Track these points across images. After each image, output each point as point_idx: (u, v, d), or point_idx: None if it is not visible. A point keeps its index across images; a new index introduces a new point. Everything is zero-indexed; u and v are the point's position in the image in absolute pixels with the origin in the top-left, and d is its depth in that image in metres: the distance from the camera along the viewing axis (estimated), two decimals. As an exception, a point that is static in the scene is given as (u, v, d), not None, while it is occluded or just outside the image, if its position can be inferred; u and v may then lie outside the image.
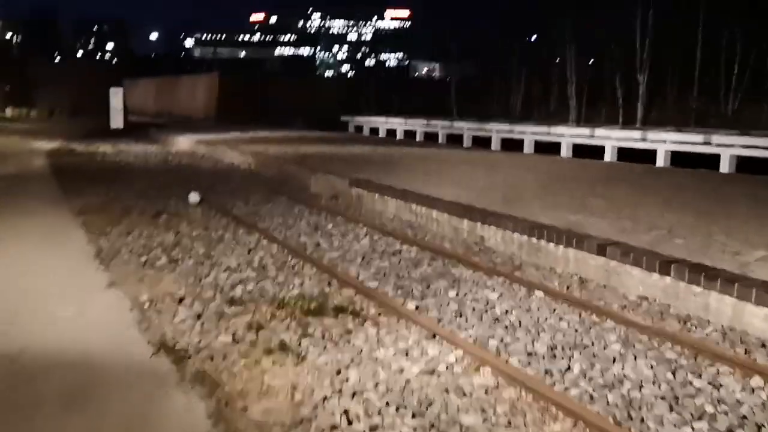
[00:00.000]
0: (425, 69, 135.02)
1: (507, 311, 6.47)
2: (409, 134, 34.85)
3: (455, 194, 11.59)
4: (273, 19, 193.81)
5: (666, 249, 7.43)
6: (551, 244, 8.47)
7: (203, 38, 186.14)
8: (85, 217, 10.77)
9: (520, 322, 6.16)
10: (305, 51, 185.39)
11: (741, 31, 31.82)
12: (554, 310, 6.52)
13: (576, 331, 5.95)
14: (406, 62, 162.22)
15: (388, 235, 10.19)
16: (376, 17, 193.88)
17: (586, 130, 23.20)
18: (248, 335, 5.52)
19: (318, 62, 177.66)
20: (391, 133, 36.23)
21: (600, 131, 22.63)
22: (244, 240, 9.52)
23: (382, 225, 11.05)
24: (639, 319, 6.24)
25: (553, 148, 24.84)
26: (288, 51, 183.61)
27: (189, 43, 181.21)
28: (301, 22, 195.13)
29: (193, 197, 12.97)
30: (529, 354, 5.35)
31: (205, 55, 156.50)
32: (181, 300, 6.46)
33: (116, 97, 36.98)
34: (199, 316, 5.97)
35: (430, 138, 32.81)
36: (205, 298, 6.60)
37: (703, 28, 32.86)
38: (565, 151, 24.00)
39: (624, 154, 21.89)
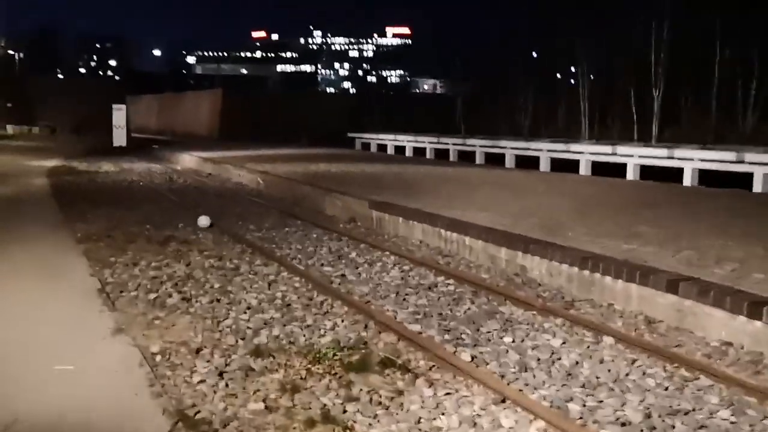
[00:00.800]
0: (425, 86, 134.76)
1: (577, 363, 5.57)
2: (418, 151, 34.05)
3: (486, 219, 10.71)
4: (274, 36, 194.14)
5: (745, 286, 6.54)
6: (608, 278, 7.57)
7: (204, 55, 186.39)
8: (88, 244, 9.88)
9: (597, 377, 5.25)
10: (307, 68, 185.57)
11: (760, 46, 31.09)
12: (633, 361, 5.61)
13: (666, 389, 5.04)
14: (408, 79, 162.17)
15: (419, 264, 9.30)
16: (376, 35, 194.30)
17: (607, 148, 22.34)
18: (283, 400, 4.61)
19: (320, 79, 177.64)
20: (400, 150, 35.43)
21: (622, 149, 21.78)
22: (263, 271, 8.63)
23: (409, 252, 10.17)
24: (739, 374, 5.33)
25: (570, 165, 23.99)
26: (289, 68, 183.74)
27: (190, 60, 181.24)
28: (302, 40, 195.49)
29: (203, 221, 12.10)
30: (623, 424, 4.44)
31: (207, 72, 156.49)
32: (198, 351, 5.56)
33: (119, 114, 36.29)
34: (221, 374, 5.07)
35: (441, 155, 32.00)
36: (226, 347, 5.70)
37: (721, 42, 32.12)
38: (584, 169, 23.13)
39: (646, 172, 21.05)
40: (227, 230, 11.68)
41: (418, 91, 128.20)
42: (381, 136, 37.07)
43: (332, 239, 11.21)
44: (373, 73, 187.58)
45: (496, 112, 47.17)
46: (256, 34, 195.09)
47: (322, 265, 9.23)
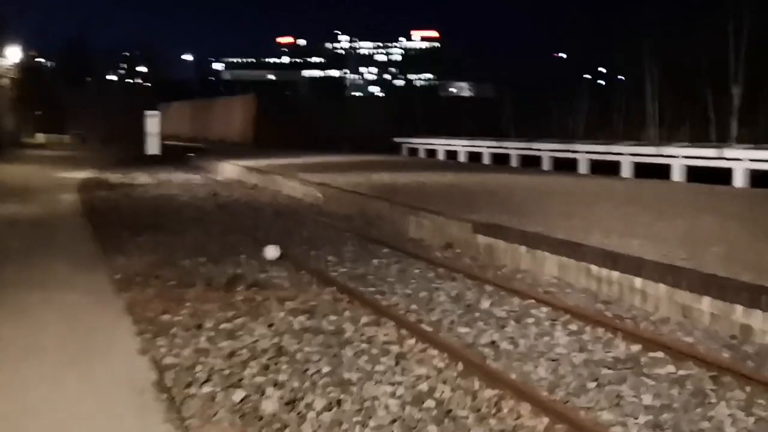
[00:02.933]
0: (453, 89, 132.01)
1: None
2: (473, 156, 31.45)
3: (644, 248, 8.08)
4: (301, 42, 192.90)
5: None
6: None
7: (232, 61, 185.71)
8: (131, 292, 7.43)
9: None
10: (334, 72, 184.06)
11: None
12: None
13: None
14: (437, 82, 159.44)
15: (586, 320, 6.71)
16: (403, 38, 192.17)
17: (710, 151, 19.57)
18: None
19: (347, 84, 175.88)
20: (452, 155, 32.86)
21: (731, 152, 19.01)
22: (379, 337, 6.10)
23: (556, 299, 7.58)
24: None
25: (657, 170, 21.22)
26: (317, 73, 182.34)
27: (218, 66, 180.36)
28: (329, 45, 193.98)
29: (271, 252, 9.62)
30: None
31: (235, 78, 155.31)
32: None
33: (152, 121, 34.15)
34: None
35: (499, 160, 29.38)
36: None
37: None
38: (678, 175, 20.37)
39: (758, 177, 18.30)
40: (302, 264, 9.19)
41: (452, 92, 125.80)
42: (431, 140, 34.51)
43: (442, 277, 8.65)
44: (401, 77, 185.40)
45: (543, 115, 44.49)
46: (282, 40, 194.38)
47: (452, 323, 6.68)
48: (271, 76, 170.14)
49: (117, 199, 16.56)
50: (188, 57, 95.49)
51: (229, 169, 24.99)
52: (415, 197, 14.03)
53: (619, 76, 51.72)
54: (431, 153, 34.79)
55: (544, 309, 7.10)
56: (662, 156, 20.93)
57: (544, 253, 8.95)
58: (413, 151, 36.58)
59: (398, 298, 7.60)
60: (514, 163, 28.10)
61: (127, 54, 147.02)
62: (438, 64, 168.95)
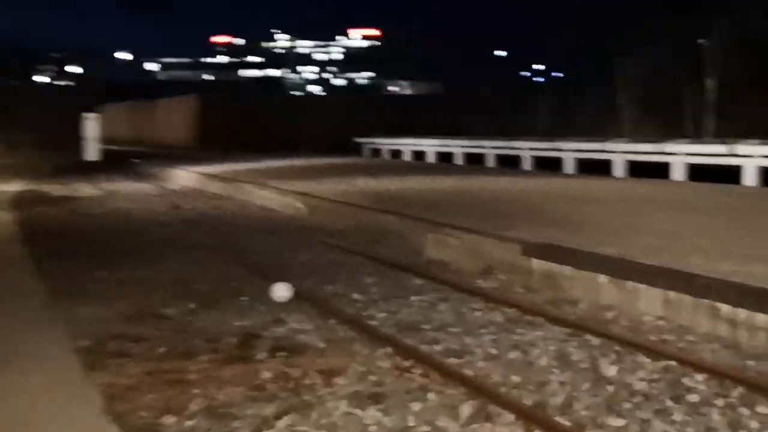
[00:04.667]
0: (395, 87, 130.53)
1: None
2: (443, 157, 29.59)
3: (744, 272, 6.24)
4: (238, 41, 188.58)
5: None
6: None
7: (167, 62, 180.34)
8: (108, 374, 5.14)
9: None
10: (273, 72, 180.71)
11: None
12: None
13: None
14: (378, 81, 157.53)
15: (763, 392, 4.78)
16: (343, 37, 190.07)
17: (719, 147, 18.10)
18: None
19: (288, 83, 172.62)
20: (419, 156, 30.93)
21: (741, 148, 17.56)
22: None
23: (699, 358, 5.62)
24: None
25: (655, 169, 19.68)
26: (255, 73, 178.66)
27: (153, 67, 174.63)
28: (267, 44, 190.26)
29: (281, 291, 7.43)
30: None
31: (171, 78, 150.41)
32: None
33: (91, 124, 31.24)
34: None
35: (473, 161, 27.60)
36: None
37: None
38: (680, 174, 18.87)
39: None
40: (324, 306, 7.05)
41: (394, 91, 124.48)
42: (396, 140, 32.48)
43: (515, 321, 6.62)
44: (341, 75, 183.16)
45: (504, 112, 43.03)
46: (219, 39, 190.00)
47: (589, 408, 4.64)
48: (209, 77, 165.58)
49: (62, 217, 13.98)
50: (126, 56, 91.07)
51: (184, 177, 22.49)
52: (422, 208, 11.99)
53: (555, 73, 50.95)
54: (396, 154, 32.80)
55: (698, 376, 5.13)
56: (663, 154, 19.42)
57: (636, 284, 7.02)
58: (376, 152, 34.53)
59: (484, 362, 5.52)
60: (490, 163, 26.34)
61: (59, 55, 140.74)
62: (381, 63, 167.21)
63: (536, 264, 8.25)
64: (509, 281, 8.37)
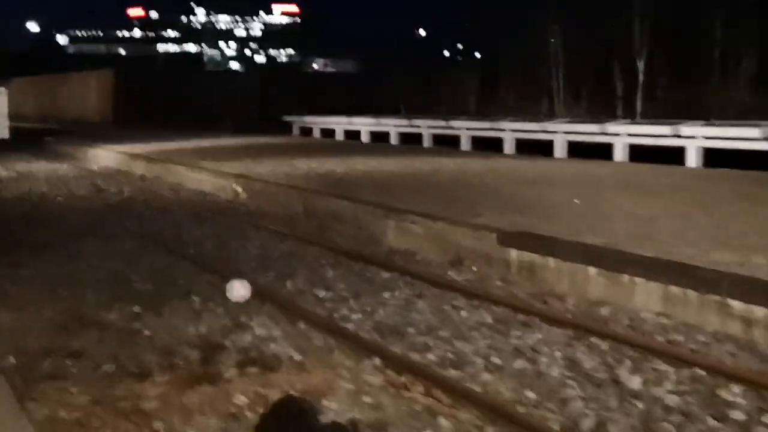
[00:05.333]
0: (315, 65, 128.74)
1: None
2: (377, 137, 28.78)
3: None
4: (153, 15, 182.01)
5: None
6: None
7: (78, 35, 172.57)
8: (45, 404, 4.17)
9: None
10: (191, 48, 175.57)
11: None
12: None
13: None
14: (298, 58, 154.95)
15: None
16: (263, 12, 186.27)
17: (664, 128, 17.94)
18: None
19: (205, 59, 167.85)
20: (352, 135, 29.99)
21: (685, 129, 17.46)
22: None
23: (719, 361, 5.08)
24: None
25: (594, 150, 19.47)
26: (172, 48, 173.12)
27: (61, 40, 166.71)
28: (184, 18, 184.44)
29: (238, 290, 6.54)
30: None
31: (80, 52, 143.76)
32: None
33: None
34: None
35: (408, 140, 26.92)
36: None
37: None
38: (621, 155, 18.71)
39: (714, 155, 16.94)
40: (289, 306, 6.23)
41: (314, 68, 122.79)
42: (328, 119, 31.37)
43: (506, 322, 5.96)
44: (261, 52, 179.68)
45: (433, 92, 42.61)
46: (132, 12, 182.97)
47: None
48: (122, 51, 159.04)
49: (-31, 202, 12.55)
50: (33, 26, 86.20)
51: (104, 156, 20.95)
52: (374, 192, 11.20)
53: (476, 53, 51.11)
54: (328, 133, 31.75)
55: (734, 388, 4.58)
56: (607, 134, 19.19)
57: (633, 278, 6.46)
58: (306, 131, 33.39)
59: (489, 374, 4.81)
60: (426, 143, 25.73)
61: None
62: (302, 42, 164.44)
63: (515, 255, 7.62)
64: (484, 273, 7.71)
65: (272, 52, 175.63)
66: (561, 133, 20.84)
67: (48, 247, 8.65)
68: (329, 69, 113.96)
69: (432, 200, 10.17)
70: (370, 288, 7.06)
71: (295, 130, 33.69)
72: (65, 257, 8.15)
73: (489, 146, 23.17)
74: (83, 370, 4.72)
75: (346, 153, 18.43)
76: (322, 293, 6.83)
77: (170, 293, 6.68)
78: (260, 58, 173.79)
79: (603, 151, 19.64)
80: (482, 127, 23.52)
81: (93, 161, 20.83)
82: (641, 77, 30.30)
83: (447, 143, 25.06)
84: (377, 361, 4.97)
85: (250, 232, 10.07)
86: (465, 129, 24.20)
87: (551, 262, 7.21)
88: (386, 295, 6.80)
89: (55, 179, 16.40)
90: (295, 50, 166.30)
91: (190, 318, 5.94)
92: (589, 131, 19.83)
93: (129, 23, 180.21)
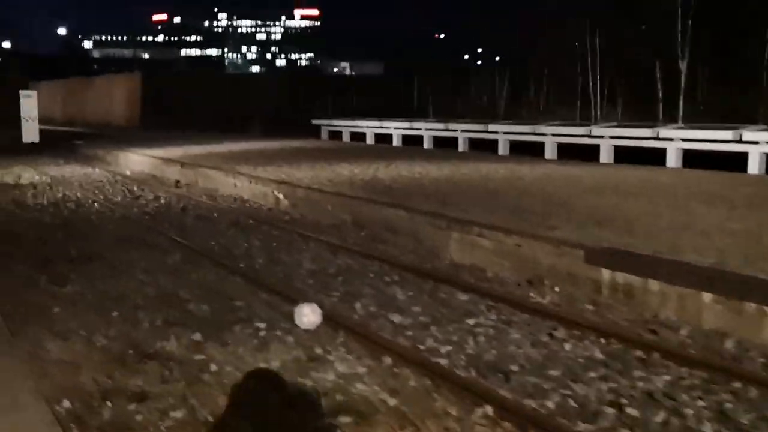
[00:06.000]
0: (335, 69, 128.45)
1: None
2: (409, 140, 28.02)
3: None
4: (177, 20, 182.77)
5: None
6: None
7: (102, 39, 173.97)
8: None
9: None
10: (213, 51, 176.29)
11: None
12: None
13: None
14: (318, 61, 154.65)
15: None
16: (284, 17, 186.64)
17: (725, 133, 17.00)
18: None
19: (226, 63, 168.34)
20: (382, 139, 29.27)
21: (748, 134, 16.52)
22: None
23: None
24: None
25: (643, 155, 18.58)
26: (194, 52, 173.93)
27: (87, 44, 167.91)
28: (206, 22, 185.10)
29: (308, 316, 5.81)
30: None
31: (106, 56, 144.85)
32: None
33: (29, 102, 28.51)
34: None
35: (442, 144, 26.14)
36: None
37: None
38: (674, 161, 17.79)
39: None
40: (365, 336, 5.49)
41: (335, 72, 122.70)
42: (358, 122, 30.63)
43: (631, 363, 5.16)
44: (282, 56, 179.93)
45: (463, 95, 41.98)
46: (156, 17, 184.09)
47: None
48: (145, 55, 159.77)
49: (4, 208, 11.95)
50: (62, 31, 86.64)
51: (136, 160, 20.39)
52: (428, 200, 10.44)
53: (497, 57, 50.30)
54: (358, 137, 31.06)
55: None
56: (657, 139, 18.30)
57: (762, 307, 5.66)
58: (335, 135, 32.72)
59: (628, 431, 4.05)
60: (461, 147, 24.93)
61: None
62: (322, 44, 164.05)
63: (607, 275, 6.84)
64: (570, 295, 6.94)
65: (293, 55, 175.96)
66: (607, 137, 19.95)
67: (91, 259, 8.00)
68: (352, 72, 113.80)
69: (495, 210, 9.40)
70: (450, 312, 6.31)
71: (324, 134, 33.04)
72: (110, 271, 7.49)
73: (528, 150, 22.35)
74: (150, 417, 4.01)
75: (384, 158, 17.69)
76: (397, 318, 6.10)
77: (230, 317, 5.98)
78: (280, 62, 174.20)
79: (653, 157, 18.76)
80: (522, 131, 22.67)
81: (125, 165, 20.27)
82: (683, 80, 29.32)
83: (484, 147, 24.27)
84: (489, 410, 4.22)
85: (298, 243, 9.37)
86: (503, 133, 23.37)
87: (654, 285, 6.42)
88: (471, 321, 6.04)
89: (88, 184, 15.82)
90: (315, 53, 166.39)
91: (258, 348, 5.23)
92: (640, 135, 18.91)
93: (153, 28, 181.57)
